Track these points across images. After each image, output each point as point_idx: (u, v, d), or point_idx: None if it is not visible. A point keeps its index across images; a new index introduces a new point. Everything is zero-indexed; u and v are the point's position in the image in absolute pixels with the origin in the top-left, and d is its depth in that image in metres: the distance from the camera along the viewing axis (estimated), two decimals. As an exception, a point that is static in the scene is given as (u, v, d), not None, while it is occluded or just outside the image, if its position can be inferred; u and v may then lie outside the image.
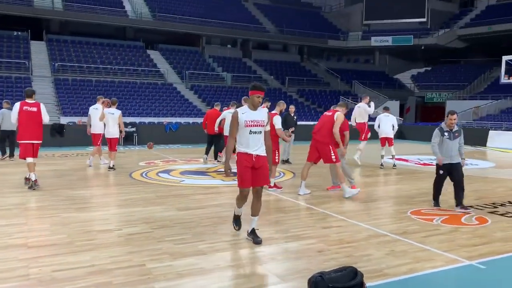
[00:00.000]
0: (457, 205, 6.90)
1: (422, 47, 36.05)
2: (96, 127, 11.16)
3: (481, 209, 6.94)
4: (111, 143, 10.78)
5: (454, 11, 39.00)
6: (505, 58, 18.95)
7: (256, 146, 4.90)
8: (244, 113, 4.89)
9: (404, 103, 34.01)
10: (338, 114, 7.74)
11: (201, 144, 18.03)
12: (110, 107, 10.95)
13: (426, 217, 6.43)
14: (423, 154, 15.86)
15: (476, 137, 20.71)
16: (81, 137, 17.22)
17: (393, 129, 12.00)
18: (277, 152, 8.31)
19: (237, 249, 4.81)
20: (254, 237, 5.01)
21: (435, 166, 7.12)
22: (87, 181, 9.08)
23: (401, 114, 32.08)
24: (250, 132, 4.87)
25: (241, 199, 5.10)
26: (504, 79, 19.06)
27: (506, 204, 7.43)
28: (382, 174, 11.05)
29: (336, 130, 7.67)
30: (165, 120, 20.97)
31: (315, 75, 35.13)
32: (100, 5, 29.47)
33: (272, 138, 7.75)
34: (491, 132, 20.76)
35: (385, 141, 11.95)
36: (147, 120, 21.21)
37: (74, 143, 17.02)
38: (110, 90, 24.00)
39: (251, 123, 4.86)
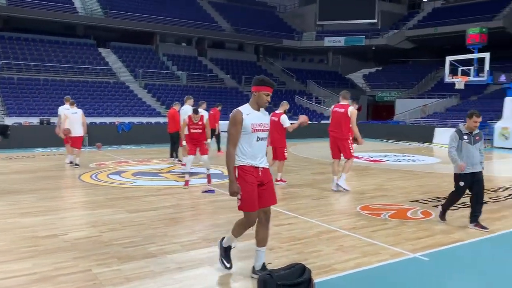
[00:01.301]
0: (471, 222, 5.83)
1: (373, 48, 37.18)
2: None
3: (426, 203, 7.25)
4: (77, 142, 11.27)
5: (403, 13, 40.48)
6: (448, 58, 19.87)
7: (261, 157, 3.99)
8: (249, 114, 3.92)
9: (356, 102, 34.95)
10: (351, 110, 8.15)
11: (155, 145, 17.74)
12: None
13: (374, 212, 6.64)
14: (374, 151, 16.37)
15: (423, 134, 21.63)
16: (27, 139, 16.50)
17: None
18: (285, 149, 8.92)
19: (188, 250, 4.76)
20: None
21: (453, 176, 5.99)
22: (33, 184, 8.68)
23: (354, 112, 32.96)
24: (258, 138, 3.93)
25: (245, 226, 4.05)
26: (448, 79, 19.97)
27: (449, 198, 7.79)
28: (335, 171, 11.28)
29: (354, 127, 8.15)
30: (117, 120, 20.42)
31: (271, 74, 35.38)
32: (47, 0, 28.26)
33: (281, 137, 8.74)
34: (437, 129, 21.74)
35: None
36: (98, 120, 20.58)
37: (20, 145, 16.20)
38: (59, 89, 23.09)
39: (259, 127, 3.93)
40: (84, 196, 7.70)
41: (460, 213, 6.60)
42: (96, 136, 17.12)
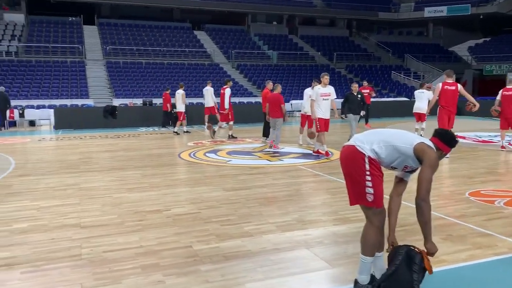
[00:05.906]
0: None
1: (481, 16, 33.73)
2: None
3: (549, 190, 6.40)
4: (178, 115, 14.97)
5: (517, -25, 36.03)
6: None
7: None
8: None
9: (460, 76, 32.17)
10: (460, 86, 9.25)
11: (248, 124, 18.04)
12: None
13: (486, 198, 6.01)
14: (482, 130, 14.95)
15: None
16: (132, 118, 17.77)
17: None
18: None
19: (284, 232, 4.70)
20: None
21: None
22: (137, 162, 9.30)
23: (457, 88, 30.44)
24: None
25: (381, 228, 3.25)
26: None
27: None
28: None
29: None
30: (212, 100, 21.04)
31: (364, 49, 33.95)
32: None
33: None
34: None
35: (418, 116, 12.63)
36: (195, 100, 21.44)
37: (126, 125, 17.54)
38: (159, 72, 24.44)
39: None
40: (183, 173, 8.05)
41: None
42: (194, 116, 17.89)
